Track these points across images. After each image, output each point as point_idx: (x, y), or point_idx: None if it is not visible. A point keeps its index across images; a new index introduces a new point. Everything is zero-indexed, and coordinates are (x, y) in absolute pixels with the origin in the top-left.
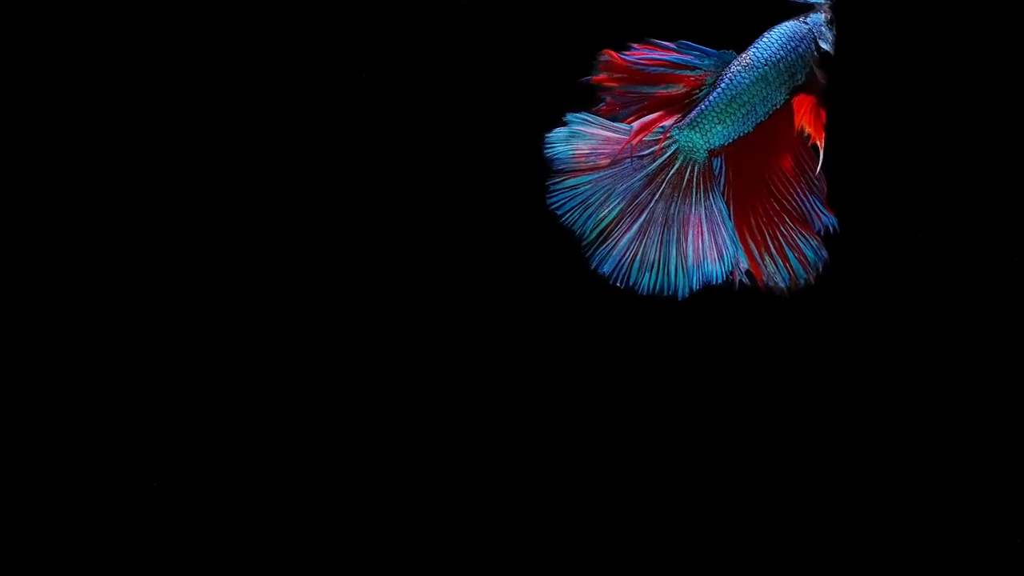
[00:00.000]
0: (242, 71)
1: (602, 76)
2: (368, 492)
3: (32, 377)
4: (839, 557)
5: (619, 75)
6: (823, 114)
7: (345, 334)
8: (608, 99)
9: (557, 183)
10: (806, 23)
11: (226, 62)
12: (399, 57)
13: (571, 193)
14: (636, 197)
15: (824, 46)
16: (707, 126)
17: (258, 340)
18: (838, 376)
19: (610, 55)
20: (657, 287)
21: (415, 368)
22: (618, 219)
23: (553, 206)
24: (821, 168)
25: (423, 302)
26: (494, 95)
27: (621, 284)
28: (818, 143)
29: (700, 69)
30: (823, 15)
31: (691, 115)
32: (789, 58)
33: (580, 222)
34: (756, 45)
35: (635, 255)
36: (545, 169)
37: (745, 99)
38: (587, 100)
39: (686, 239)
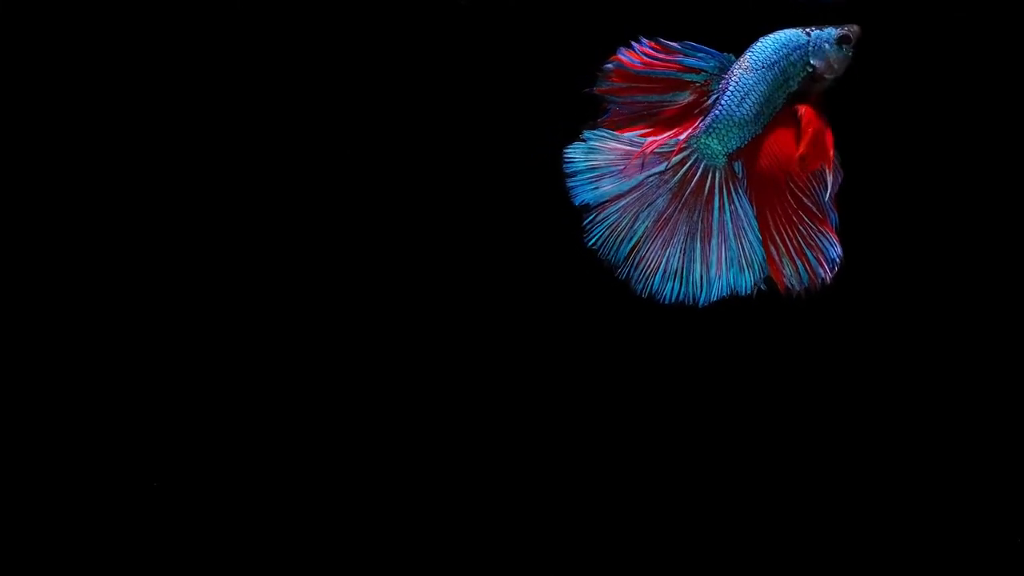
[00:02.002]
0: (242, 71)
1: (608, 87)
2: (370, 493)
3: (32, 377)
4: (840, 556)
5: (625, 84)
6: (827, 133)
7: (349, 337)
8: (613, 109)
9: (591, 220)
10: (808, 34)
11: (226, 62)
12: (399, 57)
13: (603, 226)
14: (662, 213)
15: (814, 62)
16: (723, 130)
17: (260, 341)
18: (851, 376)
19: (617, 60)
20: (680, 296)
21: (418, 372)
22: (645, 235)
23: (591, 243)
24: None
25: (423, 304)
26: (494, 95)
27: (644, 293)
28: (826, 167)
29: (705, 73)
30: (834, 34)
31: (705, 121)
32: (781, 63)
33: (612, 250)
34: (752, 48)
35: (659, 264)
36: (546, 169)
37: (753, 99)
38: (587, 100)
39: (709, 247)
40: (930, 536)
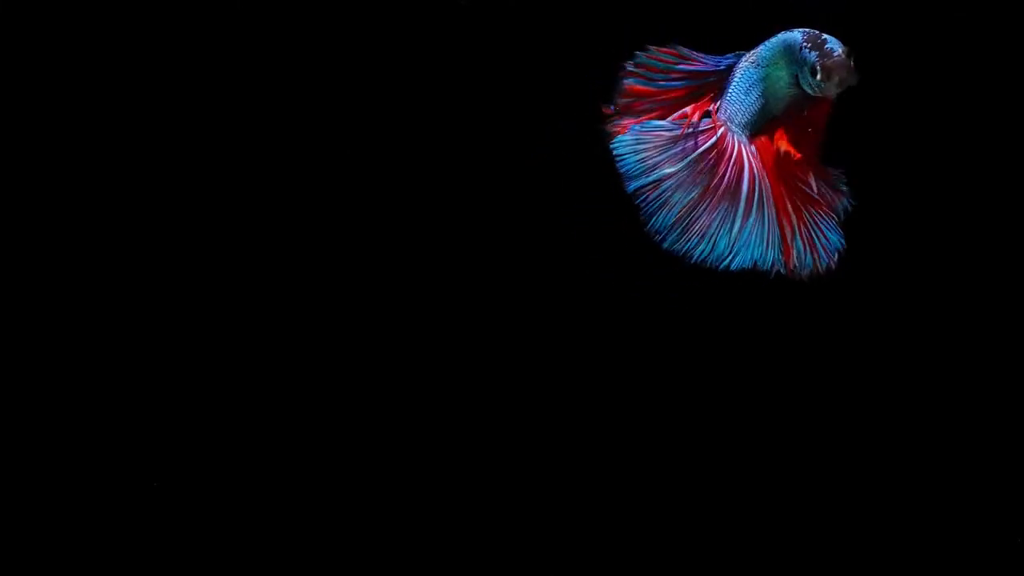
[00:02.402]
0: (241, 71)
1: (625, 103)
2: (371, 493)
3: (32, 377)
4: (838, 556)
5: (640, 97)
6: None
7: (353, 338)
8: (624, 121)
9: (644, 199)
10: (801, 50)
11: (226, 62)
12: (399, 57)
13: (656, 204)
14: (708, 186)
15: (801, 82)
16: (739, 112)
17: (259, 341)
18: (851, 368)
19: (632, 76)
20: (707, 258)
21: (416, 369)
22: (691, 206)
23: (645, 215)
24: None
25: (422, 304)
26: (494, 96)
27: (681, 253)
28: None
29: (718, 72)
30: (812, 60)
31: (724, 103)
32: (773, 73)
33: (662, 223)
34: (763, 44)
35: (698, 229)
36: (546, 169)
37: (757, 92)
38: (586, 100)
39: (748, 219)
40: (930, 535)
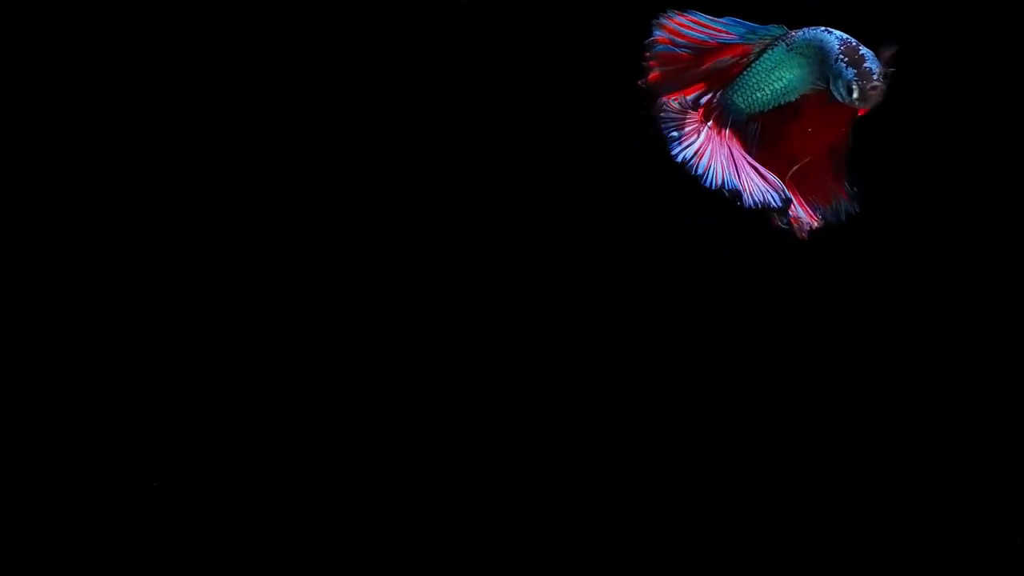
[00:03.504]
0: (241, 71)
1: (656, 73)
2: (371, 492)
3: (32, 377)
4: (838, 555)
5: (671, 66)
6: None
7: (351, 338)
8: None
9: (692, 168)
10: (836, 61)
11: (225, 62)
12: (399, 57)
13: (710, 171)
14: (730, 156)
15: (831, 87)
16: (746, 91)
17: (258, 340)
18: (847, 373)
19: (661, 43)
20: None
21: (415, 369)
22: (729, 171)
23: (707, 185)
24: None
25: (422, 303)
26: (494, 96)
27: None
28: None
29: (756, 36)
30: (851, 77)
31: (737, 80)
32: (805, 69)
33: (726, 182)
34: (803, 32)
35: (750, 192)
36: (546, 169)
37: (777, 75)
38: (586, 100)
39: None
40: (930, 535)
